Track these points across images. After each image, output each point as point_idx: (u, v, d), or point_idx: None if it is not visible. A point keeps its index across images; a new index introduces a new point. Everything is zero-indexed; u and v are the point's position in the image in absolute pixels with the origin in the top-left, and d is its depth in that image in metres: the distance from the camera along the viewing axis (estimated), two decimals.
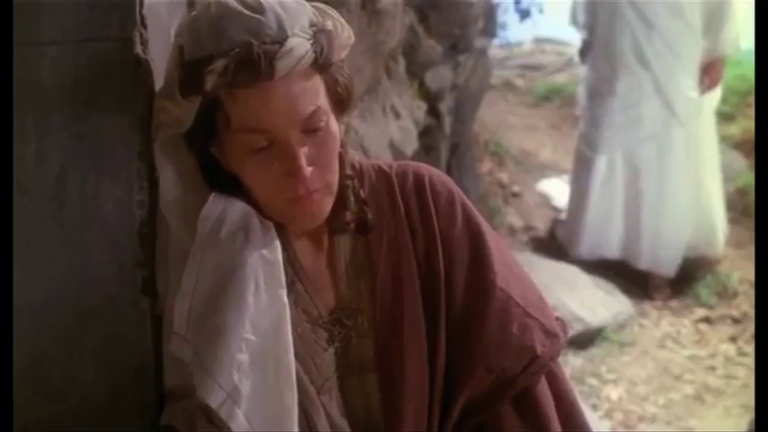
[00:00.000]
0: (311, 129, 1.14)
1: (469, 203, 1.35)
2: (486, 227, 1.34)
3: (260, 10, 1.10)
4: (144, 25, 1.11)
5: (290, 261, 1.25)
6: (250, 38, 1.08)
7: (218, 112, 1.12)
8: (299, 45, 1.10)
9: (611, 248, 4.84)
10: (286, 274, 1.22)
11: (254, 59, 1.07)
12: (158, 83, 1.22)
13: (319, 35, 1.13)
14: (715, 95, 4.81)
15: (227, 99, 1.10)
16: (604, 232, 4.84)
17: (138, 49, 1.09)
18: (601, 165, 4.83)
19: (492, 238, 1.34)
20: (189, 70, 1.10)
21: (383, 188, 1.31)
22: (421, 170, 1.34)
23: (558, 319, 1.36)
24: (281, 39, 1.09)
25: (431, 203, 1.31)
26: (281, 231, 1.23)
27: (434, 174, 1.34)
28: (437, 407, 1.28)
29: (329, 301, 1.28)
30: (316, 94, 1.14)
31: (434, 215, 1.30)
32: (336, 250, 1.29)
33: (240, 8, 1.10)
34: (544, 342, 1.31)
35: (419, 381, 1.27)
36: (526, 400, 1.31)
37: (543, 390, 1.32)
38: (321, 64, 1.13)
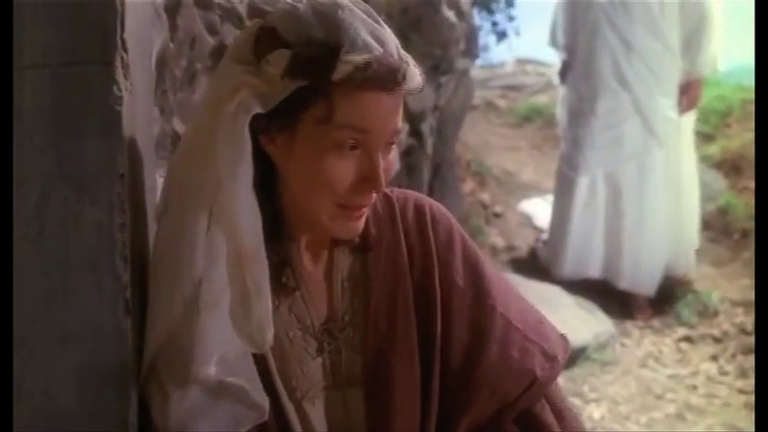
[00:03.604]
0: (389, 144, 1.19)
1: (466, 234, 1.38)
2: (482, 256, 1.39)
3: (381, 24, 1.16)
4: (125, 49, 1.11)
5: (293, 266, 1.27)
6: (379, 47, 1.13)
7: (320, 102, 1.13)
8: (416, 71, 1.18)
9: (594, 268, 4.86)
10: (288, 279, 1.26)
11: (393, 68, 1.13)
12: (139, 105, 1.22)
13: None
14: (693, 116, 4.86)
15: (340, 94, 1.12)
16: (586, 252, 4.87)
17: (120, 72, 1.09)
18: (582, 185, 4.86)
19: (489, 267, 1.38)
20: (312, 55, 1.11)
21: (386, 211, 1.34)
22: (422, 200, 1.38)
23: (561, 335, 1.41)
24: (403, 60, 1.16)
25: (430, 230, 1.34)
26: (289, 238, 1.26)
27: (434, 204, 1.38)
28: (431, 427, 1.30)
29: (322, 312, 1.30)
30: (400, 116, 1.19)
31: (433, 241, 1.33)
32: (335, 264, 1.31)
33: (362, 15, 1.14)
34: (543, 365, 1.34)
35: (409, 401, 1.29)
36: (528, 421, 1.35)
37: (544, 408, 1.36)
38: (410, 91, 1.18)
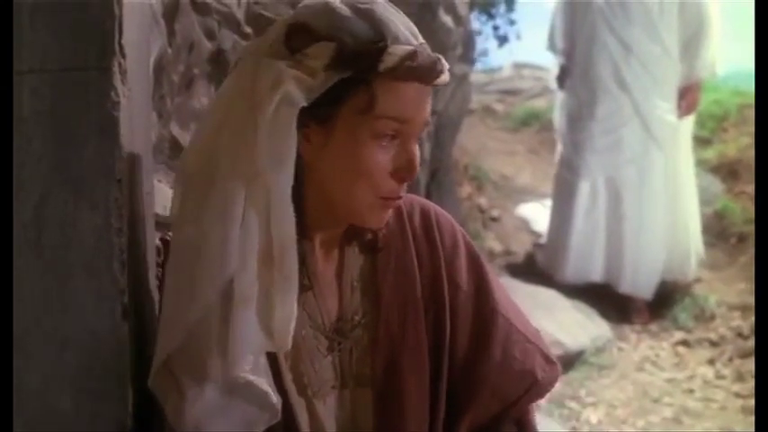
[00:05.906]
0: (418, 136, 1.22)
1: (469, 238, 1.40)
2: (484, 259, 1.41)
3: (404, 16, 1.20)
4: (123, 54, 1.11)
5: (306, 264, 1.27)
6: (415, 40, 1.17)
7: (361, 93, 1.15)
8: (446, 65, 1.21)
9: (595, 273, 4.86)
10: (303, 278, 1.25)
11: (433, 59, 1.17)
12: (137, 110, 1.23)
13: None
14: (691, 120, 4.87)
15: (381, 84, 1.15)
16: (588, 257, 4.86)
17: (117, 78, 1.10)
18: (584, 189, 4.86)
19: (492, 271, 1.40)
20: (358, 47, 1.13)
21: (394, 214, 1.34)
22: (427, 205, 1.40)
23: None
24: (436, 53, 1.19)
25: (436, 234, 1.36)
26: (305, 237, 1.24)
27: (438, 209, 1.41)
28: (439, 427, 1.32)
29: (333, 311, 1.30)
30: (430, 108, 1.23)
31: (440, 245, 1.35)
32: (346, 265, 1.32)
33: (393, 10, 1.18)
34: (544, 367, 1.37)
35: (419, 402, 1.31)
36: (524, 423, 1.39)
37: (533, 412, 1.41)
38: (442, 84, 1.23)
